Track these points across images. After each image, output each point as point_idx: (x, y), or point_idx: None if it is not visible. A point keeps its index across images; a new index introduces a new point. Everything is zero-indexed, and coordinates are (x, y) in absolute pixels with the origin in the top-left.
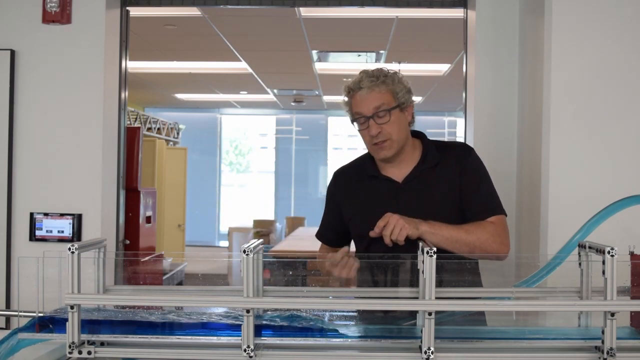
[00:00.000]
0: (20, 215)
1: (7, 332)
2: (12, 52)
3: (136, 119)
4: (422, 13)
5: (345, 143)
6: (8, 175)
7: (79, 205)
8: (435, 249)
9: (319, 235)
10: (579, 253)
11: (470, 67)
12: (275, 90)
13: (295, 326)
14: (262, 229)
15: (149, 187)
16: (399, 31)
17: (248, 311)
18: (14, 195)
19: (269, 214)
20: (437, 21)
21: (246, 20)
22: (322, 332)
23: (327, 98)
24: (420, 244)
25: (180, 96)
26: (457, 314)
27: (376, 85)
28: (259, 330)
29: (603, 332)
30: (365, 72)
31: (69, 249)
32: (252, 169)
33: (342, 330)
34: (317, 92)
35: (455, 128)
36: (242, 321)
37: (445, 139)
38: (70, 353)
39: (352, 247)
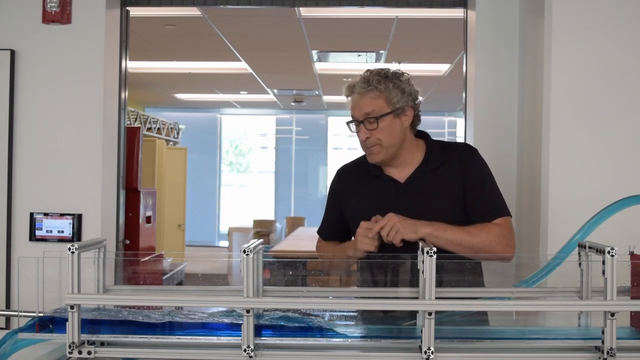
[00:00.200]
0: (20, 215)
1: (7, 332)
2: (12, 52)
3: (136, 119)
4: (422, 13)
5: (345, 143)
6: (8, 175)
7: (79, 205)
8: (435, 249)
9: (320, 232)
10: (579, 253)
11: (470, 67)
12: (275, 90)
13: (295, 326)
14: (262, 229)
15: (149, 187)
16: (399, 31)
17: (248, 311)
18: (14, 195)
19: (269, 214)
20: (437, 21)
21: (246, 20)
22: (322, 332)
23: (327, 98)
24: (421, 244)
25: (180, 96)
26: (457, 314)
27: (367, 91)
28: (259, 330)
29: (603, 332)
30: (363, 75)
31: (69, 249)
32: (252, 169)
33: (342, 330)
34: (317, 92)
35: (455, 128)
36: (242, 321)
37: (445, 139)
38: (70, 353)
39: None
